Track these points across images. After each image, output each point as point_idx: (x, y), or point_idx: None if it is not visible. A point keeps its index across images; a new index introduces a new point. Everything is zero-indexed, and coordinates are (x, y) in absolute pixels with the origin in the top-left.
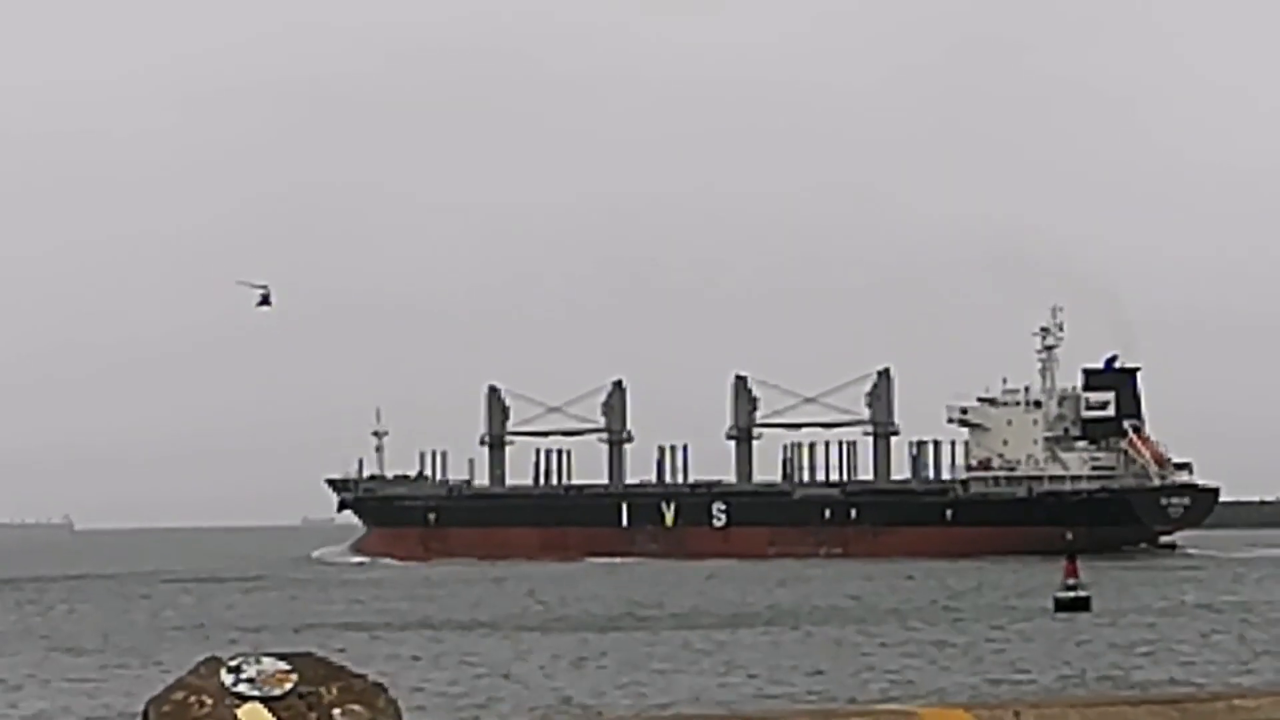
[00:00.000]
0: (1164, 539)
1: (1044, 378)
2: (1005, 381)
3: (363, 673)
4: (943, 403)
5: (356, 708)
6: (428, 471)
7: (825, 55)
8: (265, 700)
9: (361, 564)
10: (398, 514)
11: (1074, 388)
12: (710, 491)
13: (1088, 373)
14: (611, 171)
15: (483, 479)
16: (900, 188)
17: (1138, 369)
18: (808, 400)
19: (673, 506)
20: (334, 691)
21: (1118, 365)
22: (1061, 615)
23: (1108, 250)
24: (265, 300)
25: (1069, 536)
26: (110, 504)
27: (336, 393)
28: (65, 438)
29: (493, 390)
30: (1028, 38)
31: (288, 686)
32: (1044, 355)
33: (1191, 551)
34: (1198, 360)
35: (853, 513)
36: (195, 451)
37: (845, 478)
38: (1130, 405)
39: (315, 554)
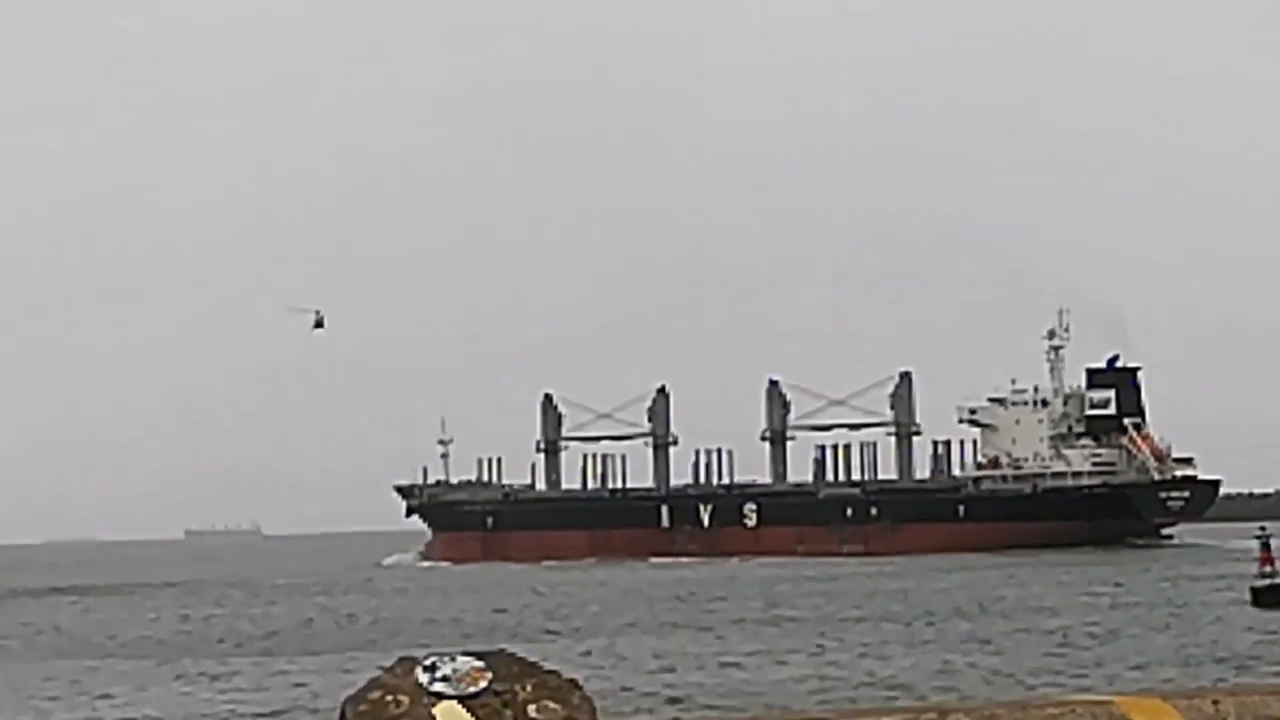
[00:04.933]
0: (1164, 531)
1: (1051, 378)
2: (1014, 382)
3: (556, 669)
4: (963, 403)
5: (552, 704)
6: (487, 477)
7: (821, 79)
8: (461, 698)
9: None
10: (459, 518)
11: (1078, 387)
12: (743, 493)
13: (1090, 372)
14: (658, 188)
15: (541, 484)
16: (930, 204)
17: (1138, 368)
18: (835, 403)
19: (709, 508)
20: (529, 688)
21: (1119, 365)
22: (1260, 606)
23: (1113, 253)
24: (319, 324)
25: (1265, 529)
26: (296, 513)
27: (403, 404)
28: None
29: (547, 398)
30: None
31: (483, 684)
32: (1051, 356)
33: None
34: (1205, 357)
35: (873, 511)
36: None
37: (869, 477)
38: (1131, 403)
39: (387, 561)
